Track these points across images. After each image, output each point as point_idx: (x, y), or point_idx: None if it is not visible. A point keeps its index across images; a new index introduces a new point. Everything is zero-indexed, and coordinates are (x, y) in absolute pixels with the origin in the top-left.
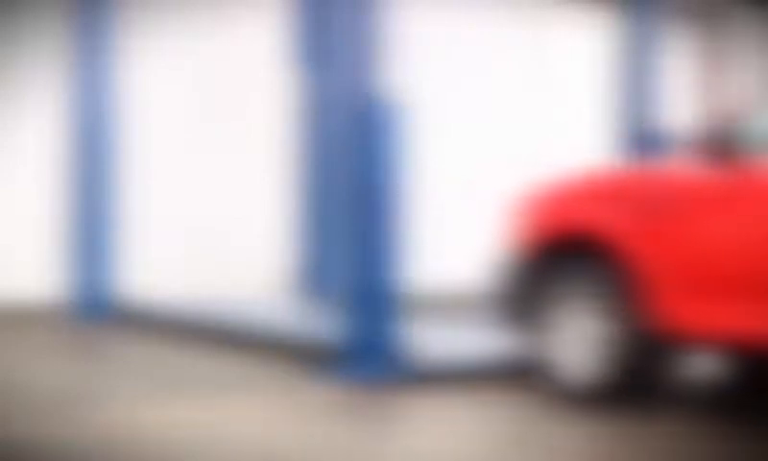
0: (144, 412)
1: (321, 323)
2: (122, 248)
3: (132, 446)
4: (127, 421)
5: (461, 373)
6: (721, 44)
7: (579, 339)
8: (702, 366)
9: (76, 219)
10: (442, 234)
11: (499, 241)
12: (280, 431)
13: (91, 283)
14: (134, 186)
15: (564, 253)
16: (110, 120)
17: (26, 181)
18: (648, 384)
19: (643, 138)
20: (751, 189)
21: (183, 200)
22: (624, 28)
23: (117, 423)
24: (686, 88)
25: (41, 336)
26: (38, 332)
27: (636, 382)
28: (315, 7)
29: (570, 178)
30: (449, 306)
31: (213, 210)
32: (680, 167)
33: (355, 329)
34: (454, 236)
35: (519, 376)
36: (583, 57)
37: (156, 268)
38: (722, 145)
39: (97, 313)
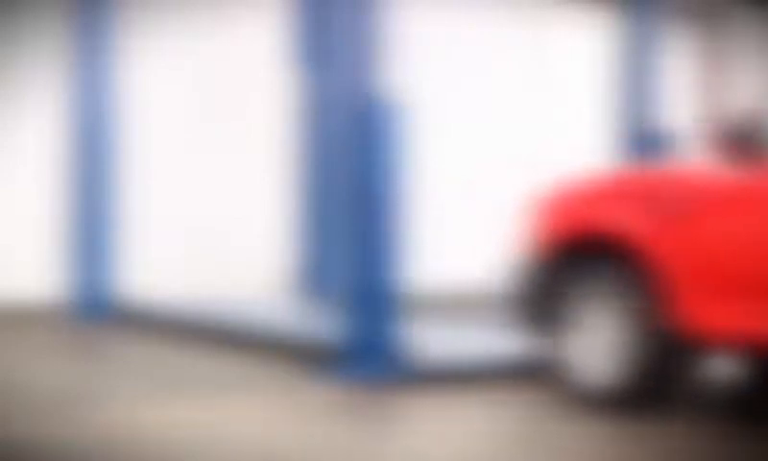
0: (144, 412)
1: (321, 323)
2: (122, 248)
3: (132, 446)
4: (127, 421)
5: (461, 373)
6: (721, 44)
7: (596, 341)
8: (720, 368)
9: (76, 219)
10: (442, 234)
11: (512, 242)
12: (280, 431)
13: (91, 283)
14: (134, 186)
15: (582, 253)
16: (110, 120)
17: (26, 181)
18: (667, 386)
19: (643, 138)
20: None
21: (183, 200)
22: (624, 28)
23: (117, 423)
24: (686, 88)
25: (41, 336)
26: (38, 332)
27: (654, 385)
28: (315, 7)
29: (586, 178)
30: (449, 306)
31: (213, 210)
32: (701, 167)
33: (355, 329)
34: (454, 236)
35: (519, 377)
36: (583, 57)
37: (156, 268)
38: (744, 144)
39: (97, 313)
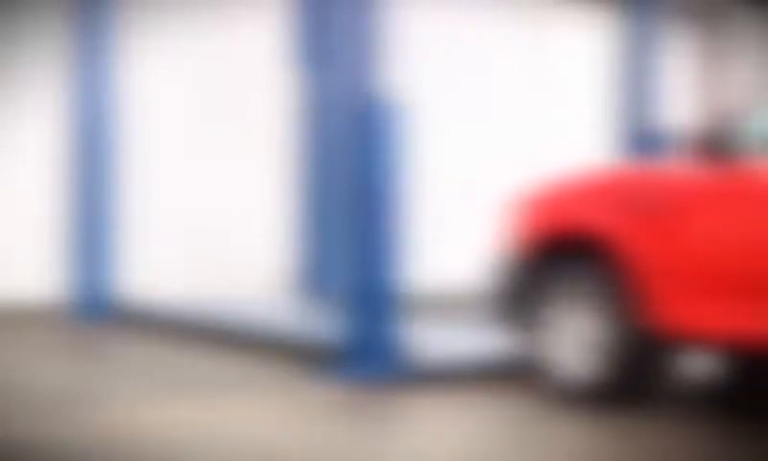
0: (144, 412)
1: (321, 323)
2: (122, 248)
3: (132, 446)
4: (127, 421)
5: (461, 373)
6: (721, 44)
7: (576, 338)
8: (698, 365)
9: (76, 219)
10: (442, 234)
11: (496, 241)
12: (280, 431)
13: (91, 283)
14: (134, 186)
15: (561, 252)
16: (110, 120)
17: (26, 181)
18: (645, 383)
19: (643, 138)
20: (748, 189)
21: (183, 200)
22: (624, 28)
23: (117, 423)
24: (686, 88)
25: (41, 336)
26: (38, 332)
27: (632, 382)
28: (315, 7)
29: (567, 177)
30: (449, 306)
31: (213, 210)
32: (677, 167)
33: (355, 329)
34: (454, 236)
35: (519, 376)
36: (583, 57)
37: (156, 268)
38: (720, 145)
39: (97, 313)
